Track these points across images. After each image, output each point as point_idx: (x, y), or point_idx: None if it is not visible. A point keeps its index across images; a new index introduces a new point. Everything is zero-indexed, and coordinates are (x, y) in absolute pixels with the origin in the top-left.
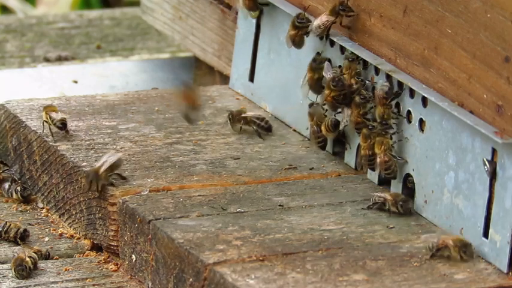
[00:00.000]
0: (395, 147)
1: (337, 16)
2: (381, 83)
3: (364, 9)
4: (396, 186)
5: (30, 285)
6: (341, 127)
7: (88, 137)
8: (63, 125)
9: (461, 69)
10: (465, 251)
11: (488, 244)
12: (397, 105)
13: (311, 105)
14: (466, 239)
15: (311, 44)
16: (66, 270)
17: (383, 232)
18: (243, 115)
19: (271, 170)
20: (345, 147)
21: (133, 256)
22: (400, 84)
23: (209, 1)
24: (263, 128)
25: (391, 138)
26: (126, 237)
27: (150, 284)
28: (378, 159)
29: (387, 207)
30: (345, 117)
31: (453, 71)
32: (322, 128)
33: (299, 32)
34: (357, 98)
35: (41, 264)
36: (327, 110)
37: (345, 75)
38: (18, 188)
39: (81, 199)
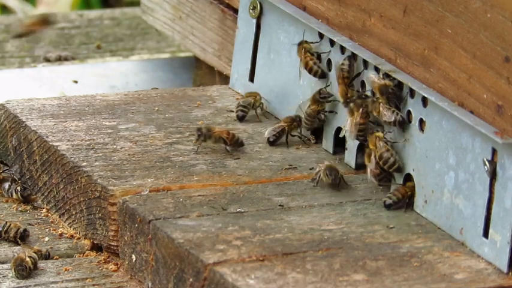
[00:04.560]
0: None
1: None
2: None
3: (364, 9)
4: (397, 181)
5: (30, 285)
6: (341, 134)
7: (88, 137)
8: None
9: (461, 69)
10: (330, 174)
11: (488, 244)
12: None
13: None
14: (333, 164)
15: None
16: (66, 270)
17: (383, 232)
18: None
19: (271, 170)
20: (345, 148)
21: (133, 256)
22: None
23: (209, 1)
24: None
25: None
26: (126, 237)
27: (150, 284)
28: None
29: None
30: (347, 125)
31: (453, 71)
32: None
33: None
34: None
35: (41, 264)
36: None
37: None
38: (18, 188)
39: (81, 199)
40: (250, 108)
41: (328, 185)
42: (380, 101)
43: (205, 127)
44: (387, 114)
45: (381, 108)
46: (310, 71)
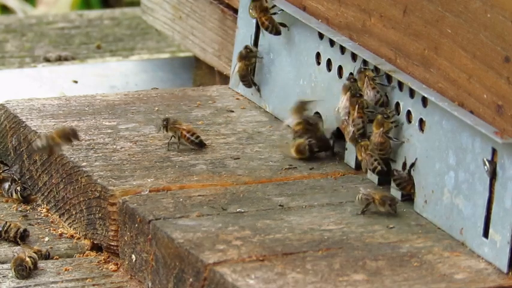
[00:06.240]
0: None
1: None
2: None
3: (364, 9)
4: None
5: (30, 285)
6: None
7: (88, 137)
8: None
9: (461, 69)
10: (390, 204)
11: (488, 244)
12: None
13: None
14: (390, 194)
15: (311, 45)
16: (66, 270)
17: (383, 232)
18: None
19: (271, 170)
20: (345, 147)
21: (133, 256)
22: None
23: (209, 1)
24: (194, 143)
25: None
26: (126, 237)
27: (150, 284)
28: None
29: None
30: (341, 106)
31: (453, 71)
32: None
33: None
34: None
35: (41, 264)
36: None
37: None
38: (18, 188)
39: (81, 199)
40: (249, 76)
41: (385, 213)
42: (367, 73)
43: (172, 119)
44: (370, 94)
45: (365, 84)
46: (266, 28)
